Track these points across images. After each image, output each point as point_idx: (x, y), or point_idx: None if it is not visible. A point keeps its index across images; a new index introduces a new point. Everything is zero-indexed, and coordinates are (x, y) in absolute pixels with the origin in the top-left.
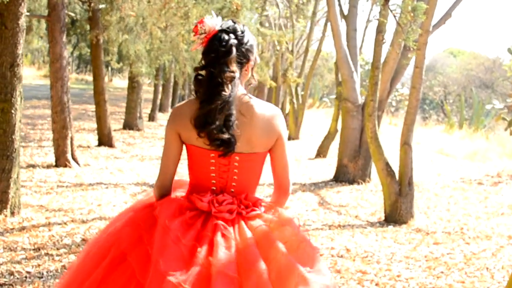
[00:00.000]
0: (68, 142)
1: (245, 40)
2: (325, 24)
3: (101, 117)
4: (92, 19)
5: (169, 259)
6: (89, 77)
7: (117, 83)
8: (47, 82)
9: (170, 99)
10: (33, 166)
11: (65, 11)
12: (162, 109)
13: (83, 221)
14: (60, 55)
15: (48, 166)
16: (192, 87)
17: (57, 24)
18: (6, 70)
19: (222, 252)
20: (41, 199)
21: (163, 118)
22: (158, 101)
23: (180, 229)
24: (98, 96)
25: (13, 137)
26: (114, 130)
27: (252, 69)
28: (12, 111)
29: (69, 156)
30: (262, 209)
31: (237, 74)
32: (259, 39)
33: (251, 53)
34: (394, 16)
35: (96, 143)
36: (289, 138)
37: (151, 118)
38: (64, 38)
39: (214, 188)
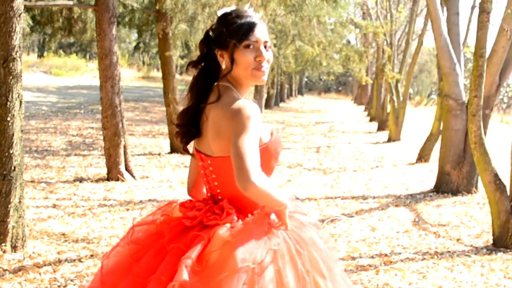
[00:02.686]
0: (121, 151)
1: (214, 27)
2: (427, 14)
3: (172, 120)
4: (158, 9)
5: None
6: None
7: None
8: (144, 83)
9: (264, 99)
10: (81, 179)
11: (115, 0)
12: None
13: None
14: (109, 50)
15: (99, 180)
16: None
17: (105, 14)
18: None
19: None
20: (68, 224)
21: None
22: None
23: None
24: (168, 97)
25: (11, 151)
26: None
27: (231, 59)
28: (8, 119)
29: (122, 167)
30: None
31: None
32: (353, 30)
33: (219, 40)
34: None
35: (169, 149)
36: (389, 140)
37: None
38: (114, 31)
39: (209, 194)
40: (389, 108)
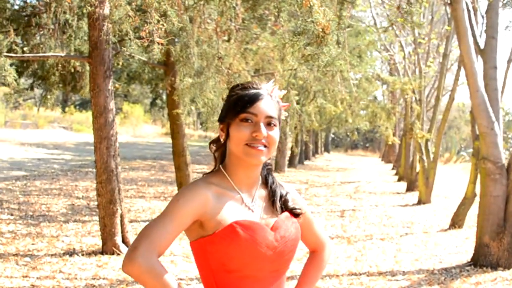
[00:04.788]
0: (118, 220)
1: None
2: (458, 69)
3: (182, 184)
4: (167, 62)
5: None
6: (214, 134)
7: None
8: (167, 139)
9: (287, 157)
10: (73, 252)
11: (110, 51)
12: (277, 168)
13: None
14: (104, 107)
15: (92, 253)
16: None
17: (100, 67)
18: None
19: None
20: None
21: (278, 179)
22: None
23: None
24: (178, 159)
25: None
26: None
27: (227, 133)
28: None
29: (118, 239)
30: None
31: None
32: (379, 86)
33: (220, 114)
34: None
35: None
36: (419, 202)
37: None
38: (110, 85)
39: None
40: (418, 167)
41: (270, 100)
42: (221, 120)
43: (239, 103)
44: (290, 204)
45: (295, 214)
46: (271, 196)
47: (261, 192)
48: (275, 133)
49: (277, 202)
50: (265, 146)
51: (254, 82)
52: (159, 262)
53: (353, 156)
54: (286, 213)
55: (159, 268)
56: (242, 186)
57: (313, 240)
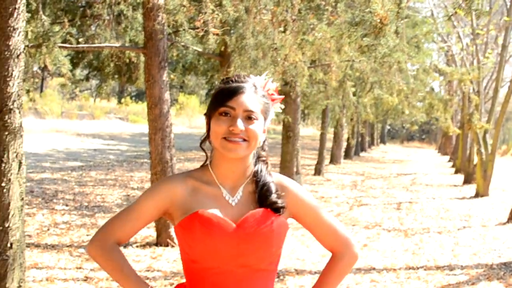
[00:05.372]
0: None
1: None
2: None
3: None
4: (223, 53)
5: None
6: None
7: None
8: None
9: (343, 149)
10: (127, 244)
11: (165, 42)
12: (333, 160)
13: None
14: (159, 98)
15: (146, 245)
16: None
17: (155, 58)
18: None
19: None
20: None
21: (333, 170)
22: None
23: None
24: None
25: (7, 225)
26: None
27: (207, 124)
28: (3, 184)
29: (172, 231)
30: None
31: None
32: (437, 77)
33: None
34: None
35: None
36: (477, 195)
37: (317, 171)
38: (165, 76)
39: None
40: (476, 159)
41: (252, 94)
42: (206, 114)
43: (219, 97)
44: (271, 199)
45: (274, 209)
46: (257, 191)
47: (250, 186)
48: (255, 126)
49: (259, 197)
50: (244, 140)
51: (241, 75)
52: (113, 248)
53: (409, 148)
54: (262, 209)
55: (111, 254)
56: (225, 180)
57: (328, 242)
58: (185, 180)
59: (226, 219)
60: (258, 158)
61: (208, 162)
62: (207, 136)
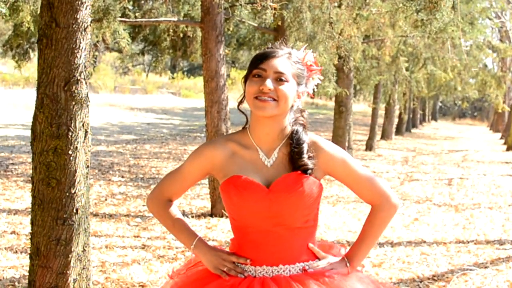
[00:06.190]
0: None
1: None
2: None
3: None
4: (278, 28)
5: None
6: (321, 101)
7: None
8: None
9: (395, 125)
10: (182, 214)
11: (222, 16)
12: (385, 135)
13: None
14: (216, 71)
15: (201, 215)
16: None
17: (212, 32)
18: (59, 90)
19: None
20: (152, 272)
21: (384, 146)
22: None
23: None
24: None
25: (73, 191)
26: None
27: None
28: (70, 152)
29: None
30: None
31: None
32: (490, 54)
33: None
34: None
35: None
36: None
37: (369, 147)
38: (222, 50)
39: None
40: None
41: (285, 59)
42: (243, 78)
43: (253, 61)
44: (301, 161)
45: (304, 170)
46: (290, 152)
47: (285, 148)
48: (285, 87)
49: (291, 159)
50: (274, 100)
51: (277, 44)
52: (166, 204)
53: (461, 125)
54: (293, 172)
55: (164, 210)
56: (261, 143)
57: (366, 195)
58: (226, 144)
59: (259, 182)
60: (296, 121)
61: (247, 125)
62: (243, 99)
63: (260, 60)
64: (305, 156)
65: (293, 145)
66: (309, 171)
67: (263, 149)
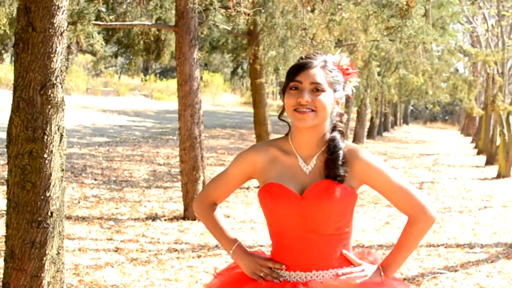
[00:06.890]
0: (200, 187)
1: None
2: None
3: None
4: (251, 32)
5: None
6: None
7: None
8: (246, 109)
9: (366, 128)
10: (155, 217)
11: (196, 20)
12: (356, 139)
13: None
14: (189, 75)
15: (174, 219)
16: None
17: (186, 36)
18: (35, 94)
19: None
20: (126, 274)
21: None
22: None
23: None
24: (260, 127)
25: (48, 194)
26: None
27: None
28: (45, 156)
29: None
30: None
31: None
32: (462, 58)
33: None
34: None
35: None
36: (498, 176)
37: None
38: (196, 54)
39: None
40: (498, 141)
41: (319, 68)
42: (282, 90)
43: (289, 73)
44: (335, 170)
45: (337, 179)
46: (327, 160)
47: (323, 156)
48: (323, 97)
49: (326, 166)
50: (312, 110)
51: (311, 53)
52: (210, 208)
53: (432, 128)
54: (327, 180)
55: (207, 213)
56: (301, 150)
57: (402, 206)
58: (268, 149)
59: (294, 189)
60: (334, 128)
61: (290, 132)
62: (283, 110)
63: (295, 72)
64: (339, 163)
65: (329, 153)
66: (340, 179)
67: (302, 156)
